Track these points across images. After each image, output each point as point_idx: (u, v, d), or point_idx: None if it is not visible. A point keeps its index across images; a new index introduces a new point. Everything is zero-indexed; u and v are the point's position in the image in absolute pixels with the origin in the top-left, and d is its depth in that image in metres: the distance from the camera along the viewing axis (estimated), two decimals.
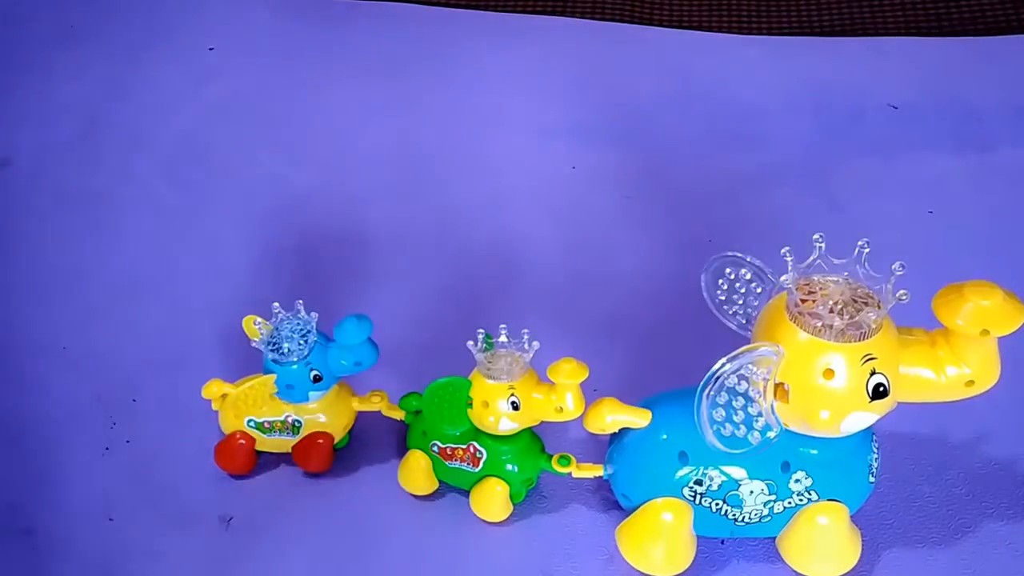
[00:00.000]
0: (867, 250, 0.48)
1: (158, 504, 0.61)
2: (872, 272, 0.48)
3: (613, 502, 0.58)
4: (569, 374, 0.52)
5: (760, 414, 0.48)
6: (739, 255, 0.53)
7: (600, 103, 0.93)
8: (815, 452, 0.52)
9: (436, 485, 0.60)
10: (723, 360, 0.47)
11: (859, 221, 0.79)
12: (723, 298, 0.54)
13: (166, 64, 0.99)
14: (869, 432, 0.53)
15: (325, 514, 0.60)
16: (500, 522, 0.58)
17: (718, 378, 0.47)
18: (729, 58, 0.98)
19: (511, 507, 0.58)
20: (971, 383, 0.47)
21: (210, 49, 1.01)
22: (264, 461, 0.62)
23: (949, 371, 0.47)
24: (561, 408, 0.53)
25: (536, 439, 0.59)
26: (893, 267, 0.46)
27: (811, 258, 0.49)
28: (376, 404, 0.61)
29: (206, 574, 0.57)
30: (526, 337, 0.55)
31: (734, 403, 0.48)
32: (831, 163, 0.85)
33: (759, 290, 0.53)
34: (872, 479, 0.53)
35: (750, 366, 0.47)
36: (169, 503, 0.61)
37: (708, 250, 0.55)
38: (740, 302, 0.54)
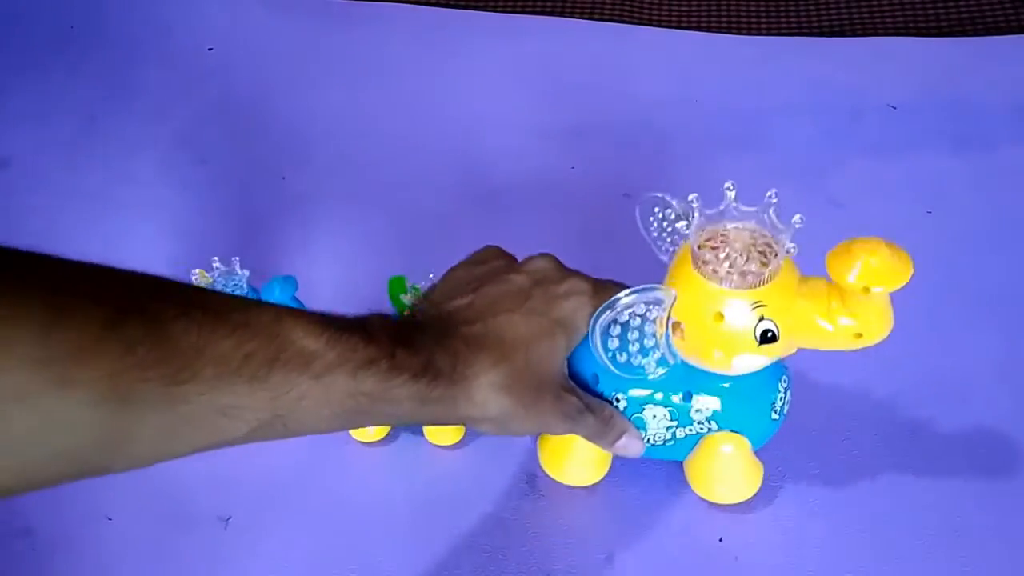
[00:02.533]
0: (775, 200, 0.50)
1: (158, 504, 0.61)
2: (778, 223, 0.50)
3: (613, 501, 0.59)
4: None
5: (656, 346, 0.52)
6: (664, 197, 0.55)
7: (600, 103, 0.93)
8: (721, 385, 0.54)
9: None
10: (622, 294, 0.50)
11: (858, 221, 0.79)
12: (656, 235, 0.57)
13: (166, 64, 1.00)
14: (778, 372, 0.56)
15: (323, 512, 0.60)
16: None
17: (613, 309, 0.50)
18: (729, 58, 0.98)
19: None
20: (859, 335, 0.49)
21: (209, 49, 1.01)
22: (260, 460, 0.62)
23: (840, 322, 0.49)
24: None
25: None
26: (793, 220, 0.49)
27: (721, 206, 0.51)
28: None
29: (206, 574, 0.57)
30: (432, 278, 0.59)
31: (629, 335, 0.51)
32: (830, 163, 0.85)
33: (687, 230, 0.55)
34: (775, 416, 0.56)
35: (642, 305, 0.50)
36: (168, 503, 0.61)
37: None
38: (669, 240, 0.56)
